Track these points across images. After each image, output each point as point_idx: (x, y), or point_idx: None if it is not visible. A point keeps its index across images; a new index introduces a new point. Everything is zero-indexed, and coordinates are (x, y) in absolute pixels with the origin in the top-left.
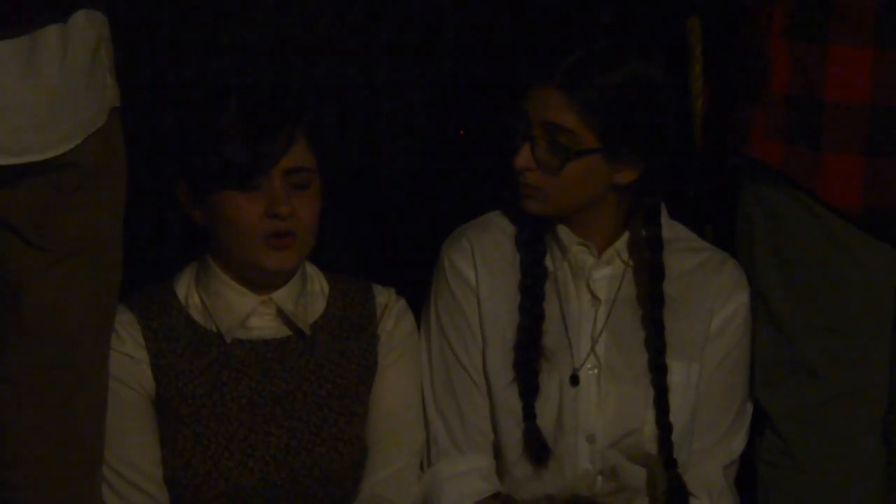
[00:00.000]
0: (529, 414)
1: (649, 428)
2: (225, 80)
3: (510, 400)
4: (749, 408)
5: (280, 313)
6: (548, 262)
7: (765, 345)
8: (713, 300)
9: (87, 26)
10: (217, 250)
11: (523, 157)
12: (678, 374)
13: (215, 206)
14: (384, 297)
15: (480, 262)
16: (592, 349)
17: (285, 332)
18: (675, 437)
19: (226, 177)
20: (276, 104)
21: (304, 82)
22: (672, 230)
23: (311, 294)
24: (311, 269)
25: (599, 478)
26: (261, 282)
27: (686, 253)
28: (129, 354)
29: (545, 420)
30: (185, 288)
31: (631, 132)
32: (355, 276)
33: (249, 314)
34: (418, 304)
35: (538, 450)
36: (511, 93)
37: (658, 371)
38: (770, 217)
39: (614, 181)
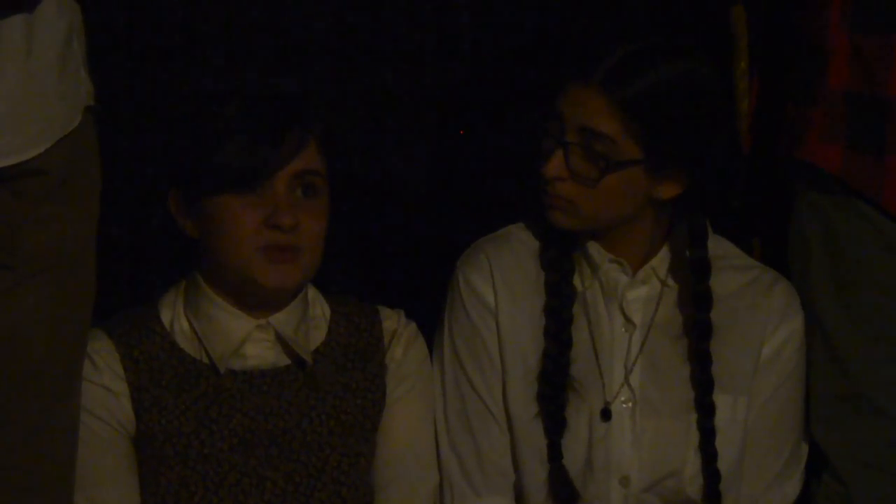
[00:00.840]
0: (555, 453)
1: (691, 469)
2: (221, 77)
3: (534, 436)
4: (804, 447)
5: (278, 340)
6: (576, 282)
7: (821, 376)
8: (763, 326)
9: (57, 15)
10: (209, 267)
11: (555, 166)
12: (723, 409)
13: (209, 213)
14: (392, 321)
15: (500, 281)
16: (626, 379)
17: (283, 360)
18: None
19: (223, 180)
20: (285, 103)
21: (307, 84)
22: (716, 246)
23: (311, 319)
24: (311, 292)
25: None
26: (257, 303)
27: (731, 272)
28: (107, 387)
29: (573, 459)
30: (170, 311)
31: (676, 142)
32: (359, 298)
33: (245, 340)
34: (431, 328)
35: (565, 493)
36: (542, 91)
37: (704, 410)
38: (827, 231)
39: (654, 195)
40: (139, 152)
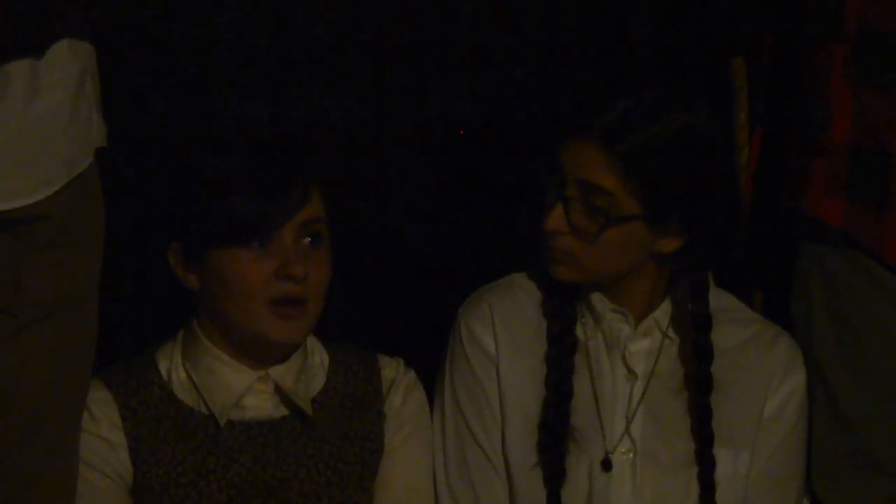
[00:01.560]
0: (555, 503)
1: None
2: (223, 122)
3: (533, 486)
4: (806, 503)
5: (277, 391)
6: (578, 331)
7: (824, 432)
8: (766, 381)
9: (69, 58)
10: (210, 319)
11: (555, 219)
12: (725, 463)
13: (215, 267)
14: (391, 369)
15: (501, 329)
16: (627, 430)
17: (282, 411)
18: None
19: (231, 233)
20: (289, 152)
21: (306, 131)
22: (717, 299)
23: (310, 367)
24: (310, 340)
25: None
26: (258, 355)
27: (733, 326)
28: (105, 437)
29: None
30: (168, 361)
31: (676, 196)
32: (358, 346)
33: (244, 393)
34: (431, 376)
35: None
36: (543, 142)
37: (704, 463)
38: (830, 285)
39: (655, 249)
40: (143, 201)
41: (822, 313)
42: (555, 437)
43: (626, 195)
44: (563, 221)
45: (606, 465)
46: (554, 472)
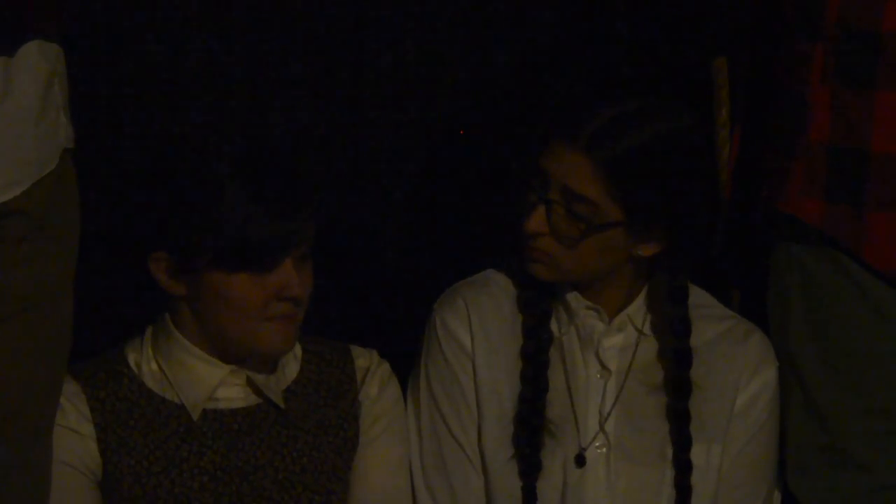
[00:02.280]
0: (530, 495)
1: None
2: (213, 135)
3: (508, 479)
4: (778, 497)
5: (250, 382)
6: (553, 327)
7: (798, 427)
8: (738, 376)
9: (38, 59)
10: (191, 320)
11: (536, 221)
12: (698, 457)
13: (212, 285)
14: (365, 359)
15: (477, 324)
16: (601, 426)
17: (255, 400)
18: None
19: (239, 259)
20: (291, 172)
21: (286, 127)
22: (693, 296)
23: (283, 358)
24: None
25: None
26: (237, 356)
27: (707, 322)
28: (73, 429)
29: (547, 503)
30: (137, 355)
31: (659, 204)
32: (331, 339)
33: (218, 386)
34: (405, 372)
35: None
36: (523, 142)
37: (681, 467)
38: (806, 283)
39: (635, 254)
40: (109, 196)
41: (799, 311)
42: (530, 430)
43: (608, 203)
44: (544, 224)
45: (580, 460)
46: (529, 464)
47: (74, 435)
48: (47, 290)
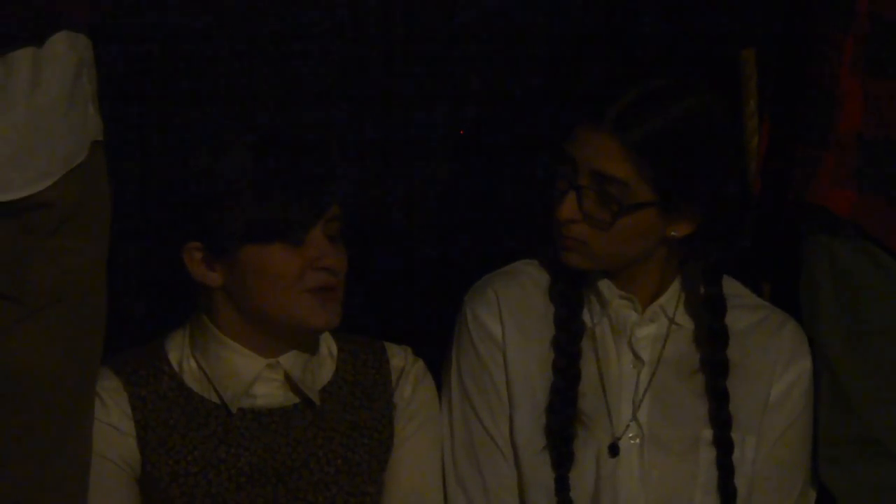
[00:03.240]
0: (563, 487)
1: None
2: (238, 122)
3: (540, 470)
4: (812, 490)
5: (287, 379)
6: (585, 317)
7: (830, 419)
8: (772, 366)
9: (67, 50)
10: (230, 311)
11: (568, 208)
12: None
13: (248, 262)
14: (400, 359)
15: (508, 316)
16: (634, 415)
17: (292, 399)
18: None
19: (271, 231)
20: (320, 146)
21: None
22: (726, 285)
23: (319, 357)
24: None
25: None
26: (270, 343)
27: (741, 311)
28: (115, 426)
29: (580, 495)
30: (178, 352)
31: (689, 181)
32: (365, 335)
33: (255, 380)
34: (436, 364)
35: None
36: (551, 131)
37: (723, 447)
38: (838, 275)
39: (668, 235)
40: (144, 188)
41: (830, 303)
42: (562, 420)
43: (639, 183)
44: (576, 210)
45: (614, 450)
46: (562, 455)
47: (115, 432)
48: (78, 283)
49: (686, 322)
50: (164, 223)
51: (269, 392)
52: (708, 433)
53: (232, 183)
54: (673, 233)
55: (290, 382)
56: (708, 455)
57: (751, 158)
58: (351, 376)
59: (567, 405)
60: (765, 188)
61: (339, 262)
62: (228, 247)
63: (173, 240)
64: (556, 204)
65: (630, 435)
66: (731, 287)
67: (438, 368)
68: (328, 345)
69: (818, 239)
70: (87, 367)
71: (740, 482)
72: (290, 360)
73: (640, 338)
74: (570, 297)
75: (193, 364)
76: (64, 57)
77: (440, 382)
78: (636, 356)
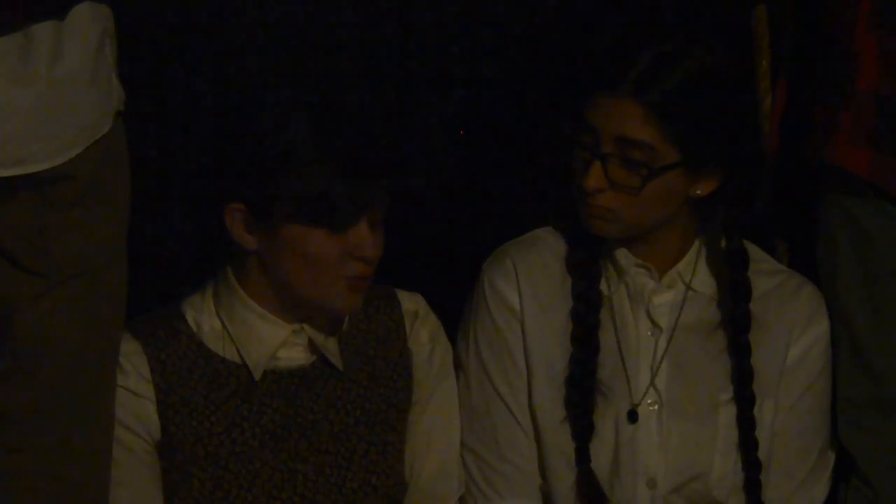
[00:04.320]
0: (584, 456)
1: (717, 472)
2: (292, 94)
3: (561, 441)
4: (831, 452)
5: (310, 343)
6: (602, 286)
7: (849, 380)
8: (789, 329)
9: (90, 21)
10: (259, 275)
11: (595, 178)
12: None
13: (289, 240)
14: (411, 303)
15: (525, 285)
16: (652, 382)
17: (312, 357)
18: (748, 484)
19: (321, 215)
20: (378, 130)
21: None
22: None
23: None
24: None
25: None
26: (299, 314)
27: (758, 276)
28: (132, 390)
29: (600, 462)
30: (196, 312)
31: (710, 138)
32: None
33: (280, 346)
34: (452, 333)
35: (593, 497)
36: (566, 102)
37: (744, 402)
38: (856, 235)
39: (692, 194)
40: (160, 154)
41: (849, 263)
42: (582, 391)
43: (664, 145)
44: (602, 179)
45: (633, 416)
46: (582, 426)
47: (133, 397)
48: (100, 255)
49: (703, 288)
50: (212, 176)
51: (292, 355)
52: (727, 396)
53: (291, 154)
54: (697, 191)
55: (312, 345)
56: (727, 418)
57: (764, 119)
58: (364, 324)
59: (586, 376)
60: (782, 149)
61: (376, 252)
62: (272, 217)
63: (219, 195)
64: (580, 174)
65: (648, 401)
66: (750, 251)
67: (453, 339)
68: None
69: (836, 199)
70: (109, 339)
71: (759, 446)
72: (315, 325)
73: (657, 305)
74: (588, 268)
75: (217, 324)
76: (87, 28)
77: (455, 352)
78: (654, 323)
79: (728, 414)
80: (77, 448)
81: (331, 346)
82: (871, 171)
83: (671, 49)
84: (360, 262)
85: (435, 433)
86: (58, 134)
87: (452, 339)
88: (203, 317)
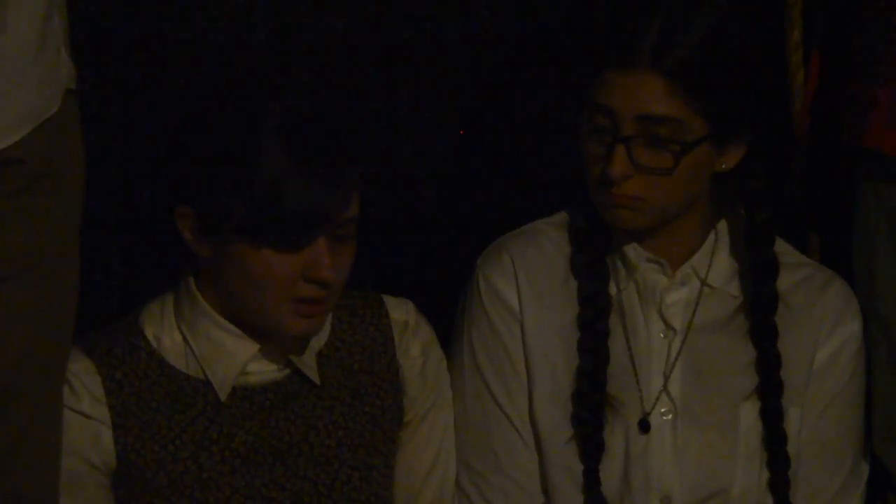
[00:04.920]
0: (592, 479)
1: (739, 487)
2: (258, 85)
3: (569, 461)
4: (865, 465)
5: (284, 357)
6: (609, 286)
7: (886, 387)
8: (817, 329)
9: None
10: (215, 287)
11: (620, 165)
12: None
13: (237, 256)
14: (400, 312)
15: (525, 283)
16: (665, 388)
17: (286, 370)
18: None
19: (264, 229)
20: (334, 139)
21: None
22: None
23: None
24: None
25: None
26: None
27: (782, 269)
28: (86, 413)
29: (609, 478)
30: (156, 325)
31: (738, 102)
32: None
33: (248, 362)
34: (446, 336)
35: None
36: (573, 87)
37: (773, 390)
38: (895, 225)
39: (718, 168)
40: (124, 140)
41: (887, 257)
42: (592, 408)
43: (691, 116)
44: (628, 164)
45: (644, 426)
46: (592, 446)
47: (86, 421)
48: (50, 247)
49: (720, 283)
50: (159, 176)
51: (263, 368)
52: (747, 391)
53: (237, 163)
54: (723, 165)
55: (286, 358)
56: (749, 422)
57: (795, 96)
58: (348, 336)
59: (596, 390)
60: (814, 131)
61: (332, 275)
62: (218, 229)
63: (166, 197)
64: (601, 163)
65: (661, 410)
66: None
67: (446, 342)
68: None
69: (873, 186)
70: (58, 343)
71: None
72: (287, 340)
73: (669, 304)
74: (595, 268)
75: (178, 337)
76: None
77: (448, 357)
78: (666, 324)
79: (749, 416)
80: (19, 468)
81: (307, 359)
82: None
83: (679, 14)
84: (312, 285)
85: (430, 456)
86: (1, 115)
87: (448, 351)
88: (163, 330)
